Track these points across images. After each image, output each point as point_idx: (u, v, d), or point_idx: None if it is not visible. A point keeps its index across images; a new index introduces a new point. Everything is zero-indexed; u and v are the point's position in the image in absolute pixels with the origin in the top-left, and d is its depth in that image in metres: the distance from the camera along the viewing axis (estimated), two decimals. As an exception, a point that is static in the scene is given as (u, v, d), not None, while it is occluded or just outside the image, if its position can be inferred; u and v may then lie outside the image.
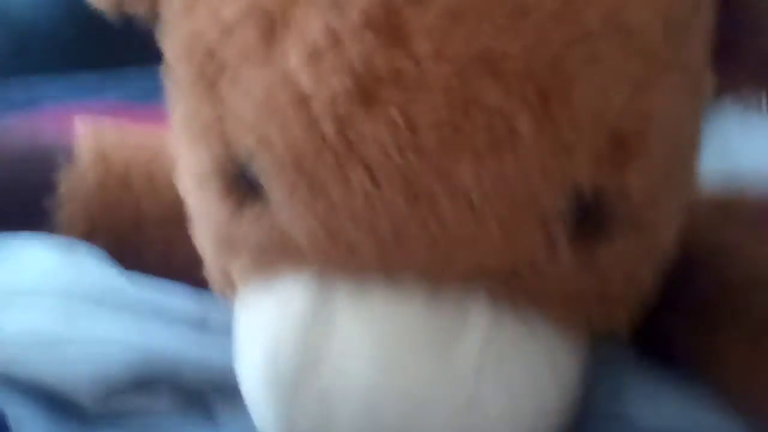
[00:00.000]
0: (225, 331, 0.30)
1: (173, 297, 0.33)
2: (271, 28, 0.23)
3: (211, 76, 0.25)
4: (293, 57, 0.23)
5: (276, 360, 0.25)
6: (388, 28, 0.22)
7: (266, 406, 0.25)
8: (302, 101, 0.23)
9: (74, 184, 0.38)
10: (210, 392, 0.31)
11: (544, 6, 0.22)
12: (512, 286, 0.24)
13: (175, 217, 0.36)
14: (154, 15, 0.29)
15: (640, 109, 0.23)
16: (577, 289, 0.25)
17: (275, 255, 0.26)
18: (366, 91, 0.22)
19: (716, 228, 0.30)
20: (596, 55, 0.22)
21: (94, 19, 0.29)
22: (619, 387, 0.28)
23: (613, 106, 0.23)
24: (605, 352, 0.28)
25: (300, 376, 0.24)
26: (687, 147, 0.26)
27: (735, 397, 0.28)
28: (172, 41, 0.27)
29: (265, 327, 0.25)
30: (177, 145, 0.29)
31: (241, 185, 0.26)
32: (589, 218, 0.24)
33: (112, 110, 0.45)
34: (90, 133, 0.40)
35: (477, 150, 0.22)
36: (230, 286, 0.29)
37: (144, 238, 0.38)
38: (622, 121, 0.23)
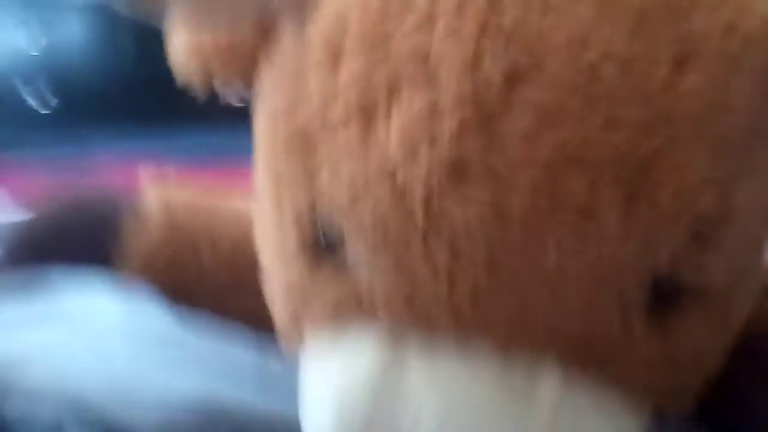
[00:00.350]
0: (286, 381, 0.30)
1: (239, 356, 0.33)
2: (371, 125, 0.25)
3: (303, 156, 0.27)
4: (392, 153, 0.24)
5: (344, 423, 0.25)
6: (484, 130, 0.23)
7: None
8: (397, 194, 0.24)
9: (139, 236, 0.39)
10: None
11: (635, 117, 0.23)
12: (584, 359, 0.25)
13: (237, 281, 0.38)
14: (247, 86, 0.30)
15: (723, 208, 0.25)
16: (649, 376, 0.26)
17: (349, 309, 0.26)
18: (459, 186, 0.24)
19: None
20: (685, 162, 0.23)
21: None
22: None
23: (699, 208, 0.24)
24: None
25: None
26: (761, 247, 0.28)
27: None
28: (269, 132, 0.29)
29: (334, 386, 0.26)
30: (264, 230, 0.30)
31: (322, 243, 0.27)
32: (667, 310, 0.25)
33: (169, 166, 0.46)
34: (155, 187, 0.42)
35: (562, 246, 0.23)
36: (298, 336, 0.29)
37: (201, 291, 0.40)
38: (705, 220, 0.24)
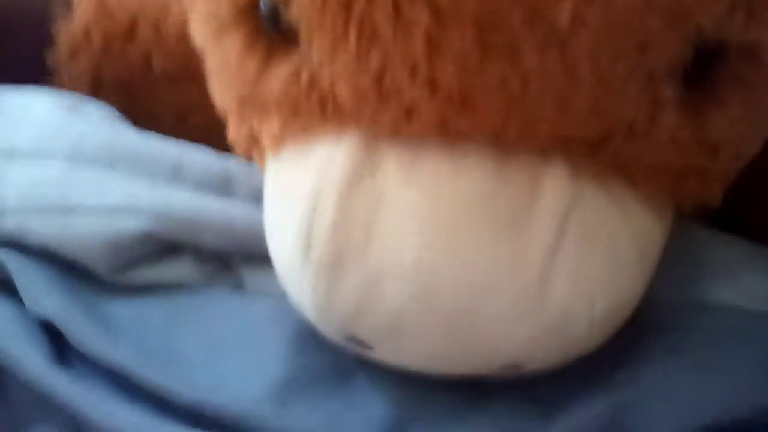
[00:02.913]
0: (252, 194, 0.27)
1: (192, 157, 0.29)
2: None
3: None
4: None
5: (313, 234, 0.21)
6: None
7: (302, 284, 0.22)
8: None
9: (74, 34, 0.34)
10: (238, 260, 0.28)
11: None
12: (600, 155, 0.21)
13: (190, 74, 0.33)
14: None
15: None
16: (676, 160, 0.22)
17: (312, 114, 0.22)
18: None
19: None
20: None
21: None
22: (698, 267, 0.25)
23: None
24: (680, 223, 0.25)
25: (342, 251, 0.21)
26: None
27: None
28: None
29: (299, 198, 0.22)
30: None
31: (268, 33, 0.22)
32: (705, 78, 0.20)
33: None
34: None
35: None
36: (258, 151, 0.25)
37: (156, 98, 0.35)
38: None
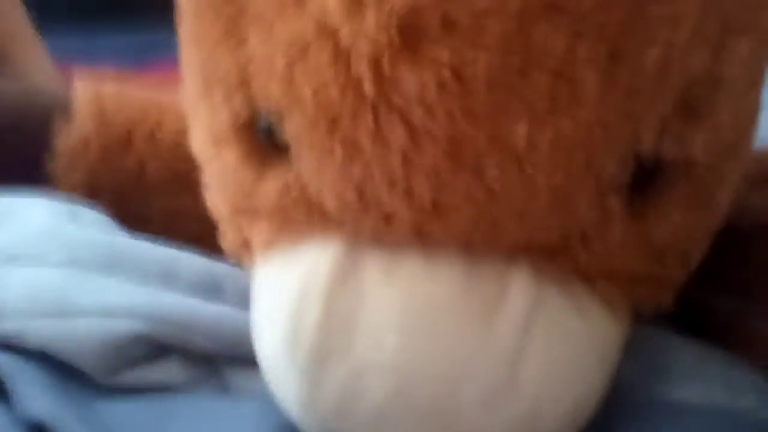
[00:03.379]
0: (240, 298, 0.28)
1: (184, 262, 0.31)
2: None
3: (231, 16, 0.23)
4: (331, 6, 0.21)
5: (299, 333, 0.23)
6: None
7: (287, 381, 0.24)
8: (340, 56, 0.21)
9: (73, 143, 0.36)
10: (224, 362, 0.29)
11: None
12: (558, 260, 0.23)
13: (183, 183, 0.35)
14: None
15: (713, 76, 0.22)
16: (628, 265, 0.24)
17: (301, 221, 0.24)
18: (413, 46, 0.20)
19: (762, 206, 0.28)
20: (676, 16, 0.21)
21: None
22: (655, 367, 0.27)
23: (688, 71, 0.21)
24: (641, 328, 0.26)
25: (326, 349, 0.23)
26: (752, 118, 0.25)
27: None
28: None
29: (287, 297, 0.23)
30: (191, 104, 0.27)
31: (264, 145, 0.24)
32: (647, 189, 0.23)
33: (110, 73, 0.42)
34: (89, 92, 0.38)
35: (535, 113, 0.20)
36: (248, 255, 0.27)
37: (149, 205, 0.37)
38: (694, 87, 0.22)
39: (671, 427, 0.25)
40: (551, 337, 0.23)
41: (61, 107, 0.37)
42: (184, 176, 0.35)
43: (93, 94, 0.37)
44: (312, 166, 0.23)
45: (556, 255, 0.23)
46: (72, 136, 0.36)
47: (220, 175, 0.26)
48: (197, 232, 0.32)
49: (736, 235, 0.27)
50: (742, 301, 0.28)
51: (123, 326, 0.28)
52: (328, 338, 0.23)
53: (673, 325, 0.28)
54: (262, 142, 0.24)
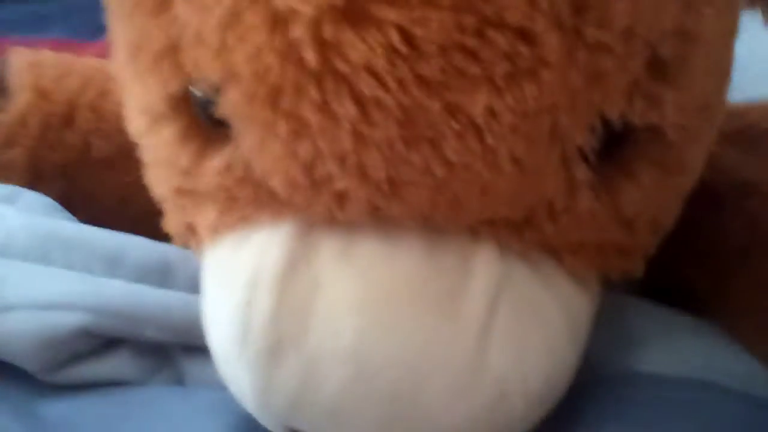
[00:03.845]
0: (192, 282, 0.27)
1: (130, 247, 0.29)
2: None
3: None
4: None
5: (251, 323, 0.21)
6: None
7: (240, 373, 0.22)
8: (277, 22, 0.19)
9: (9, 120, 0.34)
10: (177, 351, 0.28)
11: None
12: (524, 234, 0.21)
13: (131, 159, 0.33)
14: None
15: (686, 31, 0.20)
16: (596, 235, 0.22)
17: (247, 206, 0.22)
18: (358, 9, 0.18)
19: (739, 161, 0.27)
20: None
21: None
22: (625, 338, 0.26)
23: (658, 27, 0.20)
24: (611, 297, 0.25)
25: (280, 339, 0.21)
26: (726, 73, 0.24)
27: (748, 342, 0.26)
28: None
29: (236, 285, 0.22)
30: (124, 82, 0.25)
31: (203, 126, 0.22)
32: (615, 157, 0.21)
33: (56, 47, 0.40)
34: (28, 68, 0.36)
35: (493, 80, 0.19)
36: (195, 240, 0.25)
37: (96, 183, 0.35)
38: (665, 45, 0.20)
39: (644, 398, 0.24)
40: (519, 315, 0.21)
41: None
42: (132, 150, 0.33)
43: (29, 64, 0.35)
44: (254, 143, 0.21)
45: (522, 229, 0.21)
46: (9, 114, 0.34)
47: (158, 158, 0.24)
48: (148, 209, 0.30)
49: (708, 194, 0.25)
50: (714, 264, 0.27)
51: (63, 319, 0.26)
52: (281, 328, 0.21)
53: (644, 290, 0.28)
54: (200, 117, 0.22)
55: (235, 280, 0.22)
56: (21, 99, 0.34)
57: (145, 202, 0.32)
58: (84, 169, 0.34)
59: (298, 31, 0.19)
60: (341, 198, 0.21)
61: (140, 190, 0.32)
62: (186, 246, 0.26)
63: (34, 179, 0.34)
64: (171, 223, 0.26)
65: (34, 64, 0.35)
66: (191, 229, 0.25)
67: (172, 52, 0.22)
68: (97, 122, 0.34)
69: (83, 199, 0.34)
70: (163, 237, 0.28)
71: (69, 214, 0.32)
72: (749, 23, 0.26)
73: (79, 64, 0.36)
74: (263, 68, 0.19)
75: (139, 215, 0.32)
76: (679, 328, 0.26)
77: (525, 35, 0.18)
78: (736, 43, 0.24)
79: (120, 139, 0.33)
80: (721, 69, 0.23)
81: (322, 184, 0.20)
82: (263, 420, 0.23)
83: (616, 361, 0.25)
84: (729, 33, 0.23)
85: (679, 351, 0.25)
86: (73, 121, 0.34)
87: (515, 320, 0.21)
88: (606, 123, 0.21)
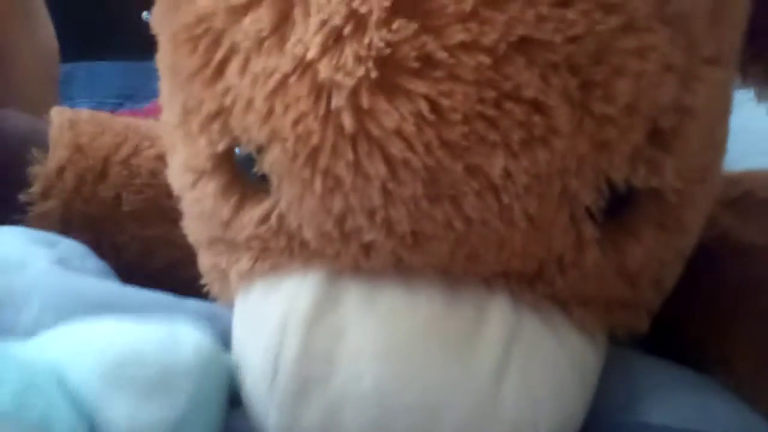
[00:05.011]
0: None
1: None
2: (287, 11, 0.22)
3: (217, 64, 0.23)
4: (311, 43, 0.21)
5: (278, 365, 0.23)
6: (419, 12, 0.20)
7: (266, 412, 0.24)
8: (319, 91, 0.21)
9: (48, 172, 0.36)
10: None
11: None
12: (536, 286, 0.23)
13: (158, 211, 0.35)
14: None
15: (683, 105, 0.23)
16: (602, 290, 0.24)
17: (280, 252, 0.24)
18: (392, 81, 0.21)
19: (736, 226, 0.29)
20: (644, 47, 0.21)
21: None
22: (631, 391, 0.27)
23: (658, 102, 0.22)
24: (616, 350, 0.27)
25: (306, 380, 0.23)
26: (721, 145, 0.26)
27: (749, 395, 0.27)
28: (168, 27, 0.25)
29: (266, 329, 0.23)
30: (171, 143, 0.27)
31: (243, 177, 0.24)
32: (620, 217, 0.23)
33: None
34: (65, 119, 0.38)
35: (510, 146, 0.21)
36: (226, 283, 0.27)
37: (123, 234, 0.36)
38: (664, 117, 0.22)
39: None
40: (530, 362, 0.23)
41: (36, 136, 0.36)
42: (160, 205, 0.35)
43: (68, 121, 0.37)
44: (292, 197, 0.23)
45: (533, 281, 0.23)
46: (47, 167, 0.36)
47: (198, 206, 0.26)
48: (172, 260, 0.31)
49: (707, 256, 0.27)
50: (713, 323, 0.28)
51: None
52: (307, 371, 0.23)
53: (648, 347, 0.29)
54: (241, 173, 0.24)
55: (266, 325, 0.24)
56: (59, 154, 0.36)
57: (167, 256, 0.33)
58: (112, 222, 0.36)
59: (339, 100, 0.21)
60: (368, 249, 0.22)
61: (163, 244, 0.34)
62: (218, 294, 0.28)
63: (65, 230, 0.35)
64: (204, 267, 0.28)
65: (72, 122, 0.37)
66: (224, 275, 0.27)
67: (222, 116, 0.24)
68: (128, 178, 0.36)
69: (108, 251, 0.35)
70: (182, 290, 0.29)
71: (102, 263, 0.33)
72: (742, 99, 0.28)
73: (114, 122, 0.39)
74: (305, 131, 0.21)
75: (160, 269, 0.34)
76: (682, 382, 0.27)
77: (539, 107, 0.21)
78: (731, 117, 0.26)
79: (149, 194, 0.35)
80: (716, 140, 0.25)
81: (351, 236, 0.22)
82: None
83: (623, 412, 0.26)
84: (723, 108, 0.25)
85: (682, 404, 0.26)
86: (106, 176, 0.36)
87: (527, 367, 0.23)
88: (611, 186, 0.23)
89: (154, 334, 0.24)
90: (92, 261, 0.33)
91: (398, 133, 0.21)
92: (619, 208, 0.23)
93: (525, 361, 0.23)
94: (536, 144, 0.21)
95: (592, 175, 0.22)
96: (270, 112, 0.22)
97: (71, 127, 0.37)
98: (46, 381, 0.22)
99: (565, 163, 0.21)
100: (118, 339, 0.23)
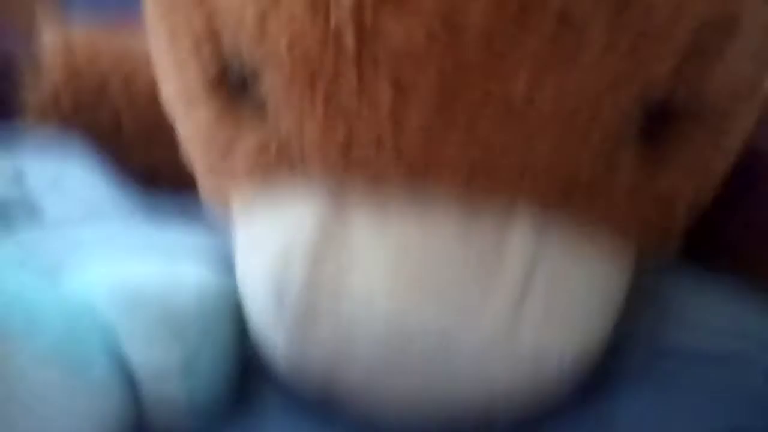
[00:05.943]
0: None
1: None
2: None
3: None
4: None
5: (285, 294, 0.22)
6: None
7: (275, 340, 0.23)
8: (317, 7, 0.19)
9: (42, 97, 0.35)
10: None
11: None
12: (561, 211, 0.22)
13: (160, 135, 0.33)
14: None
15: (727, 18, 0.21)
16: (634, 214, 0.23)
17: (282, 179, 0.23)
18: None
19: None
20: None
21: None
22: (661, 314, 0.26)
23: (699, 13, 0.20)
24: (651, 273, 0.25)
25: (314, 304, 0.22)
26: (764, 62, 0.23)
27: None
28: None
29: (270, 258, 0.22)
30: (162, 68, 0.26)
31: (239, 101, 0.23)
32: (655, 137, 0.22)
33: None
34: (58, 41, 0.36)
35: (535, 65, 0.19)
36: (228, 210, 0.26)
37: (126, 159, 0.35)
38: (706, 31, 0.20)
39: (684, 374, 0.24)
40: (553, 289, 0.22)
41: (29, 59, 0.35)
42: (162, 128, 0.33)
43: (62, 43, 0.36)
44: (292, 125, 0.21)
45: (559, 206, 0.22)
46: (41, 89, 0.34)
47: (194, 133, 0.25)
48: (177, 185, 0.30)
49: (742, 174, 0.25)
50: (752, 229, 0.27)
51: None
52: (315, 299, 0.22)
53: (691, 255, 0.27)
54: (236, 98, 0.23)
55: (270, 247, 0.23)
56: (53, 77, 0.35)
57: (171, 179, 0.32)
58: (114, 147, 0.35)
59: (340, 17, 0.19)
60: (377, 179, 0.21)
61: (166, 167, 0.32)
62: (219, 212, 0.27)
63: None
64: (205, 192, 0.27)
65: (66, 42, 0.36)
66: (226, 202, 0.26)
67: (212, 38, 0.22)
68: (127, 99, 0.35)
69: (111, 172, 0.34)
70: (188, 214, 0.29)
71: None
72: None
73: (110, 43, 0.37)
74: (303, 53, 0.20)
75: (165, 188, 0.33)
76: (714, 300, 0.26)
77: (567, 19, 0.19)
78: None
79: (148, 118, 0.34)
80: (762, 56, 0.23)
81: (357, 164, 0.21)
82: (296, 387, 0.23)
83: (657, 337, 0.25)
84: None
85: (714, 324, 0.25)
86: (104, 97, 0.35)
87: (549, 293, 0.22)
88: (647, 105, 0.21)
89: (155, 276, 0.23)
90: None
91: (407, 53, 0.19)
92: (655, 129, 0.22)
93: (547, 289, 0.22)
94: (564, 63, 0.19)
95: (626, 96, 0.20)
96: (263, 32, 0.20)
97: (65, 48, 0.35)
98: (86, 325, 0.23)
99: (596, 84, 0.20)
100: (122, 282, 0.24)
